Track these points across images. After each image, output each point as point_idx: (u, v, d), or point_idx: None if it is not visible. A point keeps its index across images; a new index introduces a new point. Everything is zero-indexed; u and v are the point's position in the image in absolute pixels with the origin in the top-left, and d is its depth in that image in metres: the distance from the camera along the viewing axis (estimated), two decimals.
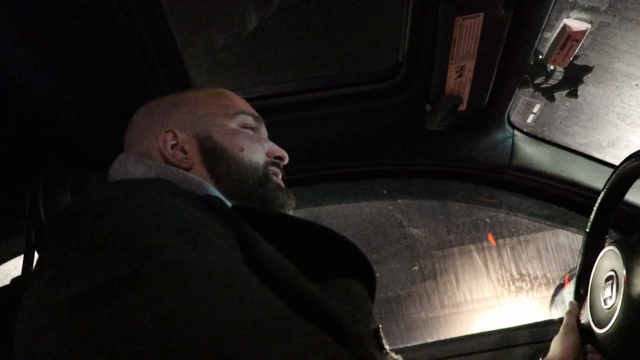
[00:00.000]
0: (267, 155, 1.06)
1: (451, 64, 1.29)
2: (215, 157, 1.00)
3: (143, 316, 0.58)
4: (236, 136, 1.03)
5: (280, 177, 1.07)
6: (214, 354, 0.56)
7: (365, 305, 0.87)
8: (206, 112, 1.05)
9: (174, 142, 1.00)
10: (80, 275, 0.64)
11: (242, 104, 1.11)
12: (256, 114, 1.11)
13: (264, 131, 1.13)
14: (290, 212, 1.06)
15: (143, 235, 0.67)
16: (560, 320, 1.26)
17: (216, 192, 0.93)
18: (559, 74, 1.50)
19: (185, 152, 1.00)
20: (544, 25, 1.25)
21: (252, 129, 1.08)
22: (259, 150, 1.05)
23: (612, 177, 1.16)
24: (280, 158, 1.08)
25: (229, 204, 0.91)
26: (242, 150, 1.02)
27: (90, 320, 0.60)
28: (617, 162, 1.16)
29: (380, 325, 0.88)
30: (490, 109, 1.48)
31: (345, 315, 0.76)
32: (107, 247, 0.66)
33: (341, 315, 0.74)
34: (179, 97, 1.09)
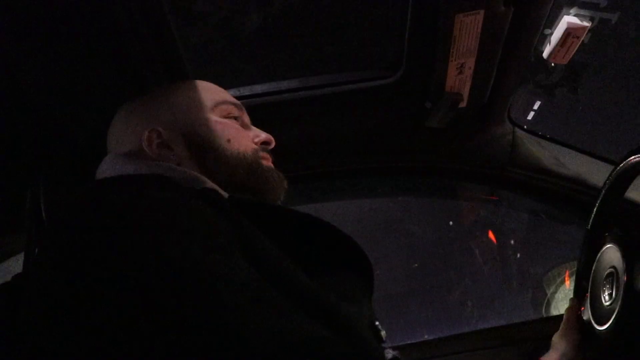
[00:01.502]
0: (254, 142, 1.06)
1: (451, 61, 1.29)
2: (202, 152, 1.00)
3: (143, 314, 0.59)
4: (221, 128, 1.02)
5: (270, 161, 1.07)
6: (213, 350, 0.56)
7: (363, 299, 0.87)
8: (187, 107, 1.04)
9: (159, 141, 0.99)
10: (80, 273, 0.64)
11: (220, 93, 1.10)
12: (236, 101, 1.10)
13: (246, 118, 1.12)
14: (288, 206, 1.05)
15: (142, 232, 0.67)
16: (561, 317, 1.26)
17: (212, 185, 0.93)
18: (559, 71, 1.50)
19: (171, 150, 0.99)
20: (544, 22, 1.25)
21: (234, 117, 1.07)
22: (245, 138, 1.04)
23: (613, 174, 1.16)
24: (267, 143, 1.08)
25: (225, 195, 0.90)
26: (228, 141, 1.01)
27: (92, 317, 0.60)
28: (617, 159, 1.16)
29: (378, 319, 0.88)
30: (490, 106, 1.48)
31: (344, 309, 0.76)
32: (107, 244, 0.66)
33: (339, 309, 0.74)
34: (158, 95, 1.08)
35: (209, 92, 1.09)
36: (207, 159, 0.99)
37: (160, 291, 0.60)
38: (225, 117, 1.06)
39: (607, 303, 1.05)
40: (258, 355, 0.56)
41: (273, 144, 1.09)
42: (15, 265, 1.50)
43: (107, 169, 0.98)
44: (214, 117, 1.04)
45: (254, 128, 1.10)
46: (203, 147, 1.00)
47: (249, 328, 0.58)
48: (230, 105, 1.08)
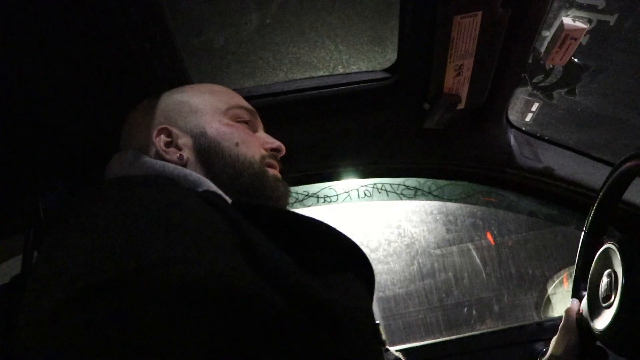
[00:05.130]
0: (264, 148, 1.06)
1: (449, 62, 1.29)
2: (210, 153, 1.01)
3: (136, 316, 0.58)
4: (230, 130, 1.04)
5: (277, 169, 1.07)
6: (207, 355, 0.56)
7: (364, 302, 0.87)
8: (199, 108, 1.05)
9: (168, 140, 1.01)
10: (76, 276, 0.64)
11: (235, 98, 1.11)
12: (250, 107, 1.11)
13: (259, 124, 1.13)
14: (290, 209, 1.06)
15: (140, 234, 0.66)
16: (560, 318, 1.26)
17: (214, 188, 0.93)
18: (557, 73, 1.50)
19: (180, 149, 1.00)
20: (542, 24, 1.25)
21: (246, 122, 1.08)
22: (254, 143, 1.05)
23: (611, 176, 1.16)
24: (277, 150, 1.08)
25: (228, 199, 0.91)
26: (236, 144, 1.02)
27: (85, 320, 0.60)
28: (615, 161, 1.16)
29: (379, 322, 0.88)
30: (488, 108, 1.48)
31: (345, 312, 0.76)
32: (103, 247, 0.65)
33: (341, 312, 0.74)
34: (173, 95, 1.10)
35: (222, 95, 1.10)
36: (213, 160, 1.00)
37: (158, 294, 0.60)
38: (237, 121, 1.07)
39: (605, 304, 1.05)
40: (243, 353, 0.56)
41: (283, 152, 1.09)
42: (15, 266, 1.50)
43: (116, 166, 1.00)
44: (224, 120, 1.05)
45: (265, 134, 1.11)
46: (210, 148, 1.01)
47: (243, 333, 0.58)
48: (243, 110, 1.09)
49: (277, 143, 1.09)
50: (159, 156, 0.99)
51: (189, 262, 0.63)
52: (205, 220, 0.73)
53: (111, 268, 0.62)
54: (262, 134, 1.11)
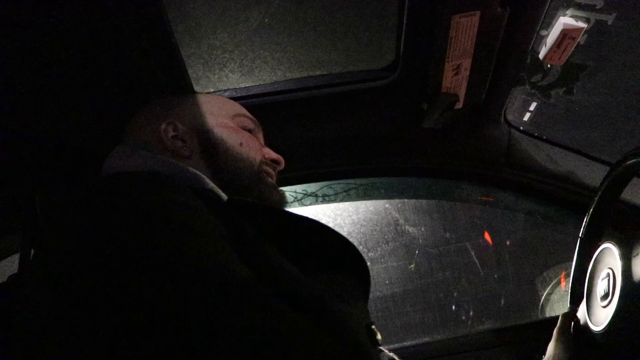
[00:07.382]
0: (264, 156, 1.09)
1: (448, 62, 1.29)
2: (213, 149, 1.03)
3: (135, 314, 0.59)
4: (235, 132, 1.07)
5: (274, 179, 1.11)
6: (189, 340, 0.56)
7: (359, 301, 0.88)
8: (207, 111, 1.08)
9: (174, 133, 1.03)
10: (75, 275, 0.64)
11: (241, 109, 1.16)
12: (254, 118, 1.16)
13: (261, 136, 1.17)
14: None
15: (135, 230, 0.67)
16: (557, 318, 1.26)
17: (210, 185, 0.94)
18: (555, 72, 1.50)
19: (184, 142, 1.03)
20: (540, 23, 1.25)
21: (250, 130, 1.12)
22: (256, 147, 1.08)
23: (609, 176, 1.16)
24: (277, 162, 1.12)
25: (224, 196, 0.92)
26: (240, 144, 1.05)
27: (87, 319, 0.60)
28: (613, 161, 1.16)
29: (374, 322, 0.89)
30: (486, 107, 1.48)
31: (339, 311, 0.76)
32: (99, 246, 0.66)
33: (335, 311, 0.74)
34: (183, 96, 1.14)
35: (230, 104, 1.16)
36: (216, 157, 1.03)
37: (150, 290, 0.60)
38: (242, 127, 1.11)
39: (604, 304, 1.05)
40: (234, 349, 0.57)
41: (282, 165, 1.13)
42: (12, 264, 1.50)
43: (115, 159, 1.01)
44: (230, 123, 1.09)
45: (267, 147, 1.15)
46: (215, 145, 1.04)
47: (229, 323, 0.58)
48: (248, 120, 1.14)
49: (277, 156, 1.13)
50: (161, 148, 1.00)
51: (179, 258, 0.64)
52: (198, 217, 0.73)
53: (108, 265, 0.63)
54: (263, 146, 1.15)
